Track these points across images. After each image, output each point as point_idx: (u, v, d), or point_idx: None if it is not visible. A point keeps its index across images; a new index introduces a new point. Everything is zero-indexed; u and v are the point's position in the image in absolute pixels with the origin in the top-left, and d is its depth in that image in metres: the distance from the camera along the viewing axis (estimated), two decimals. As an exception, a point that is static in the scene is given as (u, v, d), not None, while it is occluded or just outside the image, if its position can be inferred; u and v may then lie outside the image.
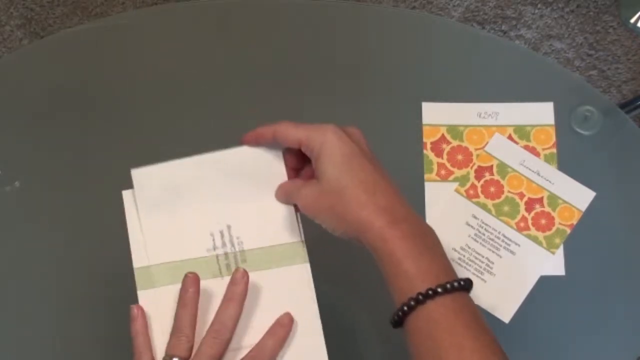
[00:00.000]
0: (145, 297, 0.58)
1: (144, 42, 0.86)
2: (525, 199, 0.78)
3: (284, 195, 0.59)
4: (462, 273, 0.76)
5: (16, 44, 1.53)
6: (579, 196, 0.78)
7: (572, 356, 0.75)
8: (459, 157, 0.80)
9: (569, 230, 0.77)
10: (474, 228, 0.77)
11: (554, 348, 0.75)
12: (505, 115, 0.81)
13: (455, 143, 0.80)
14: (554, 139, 0.80)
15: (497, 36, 1.47)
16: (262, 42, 0.85)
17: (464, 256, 0.76)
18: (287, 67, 0.84)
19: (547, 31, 1.52)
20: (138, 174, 0.59)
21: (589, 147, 0.80)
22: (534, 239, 0.77)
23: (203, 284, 0.57)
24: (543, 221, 0.77)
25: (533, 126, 0.80)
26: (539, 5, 1.54)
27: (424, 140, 0.80)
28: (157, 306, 0.58)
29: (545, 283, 0.75)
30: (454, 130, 0.80)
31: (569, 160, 0.79)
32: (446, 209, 0.78)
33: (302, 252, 0.59)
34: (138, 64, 0.85)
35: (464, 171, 0.79)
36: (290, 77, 0.84)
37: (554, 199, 0.78)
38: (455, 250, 0.77)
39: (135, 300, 0.58)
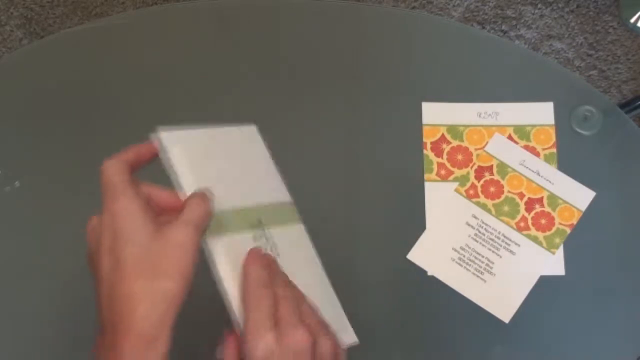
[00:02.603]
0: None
1: (144, 42, 0.86)
2: (525, 199, 0.78)
3: None
4: (462, 273, 0.76)
5: (16, 44, 1.53)
6: (579, 196, 0.78)
7: (572, 356, 0.75)
8: (459, 157, 0.80)
9: (569, 230, 0.77)
10: (474, 228, 0.77)
11: (554, 348, 0.75)
12: (505, 115, 0.81)
13: (455, 143, 0.80)
14: (554, 139, 0.80)
15: (497, 36, 1.47)
16: (262, 42, 0.85)
17: (464, 256, 0.76)
18: (287, 67, 0.84)
19: (547, 31, 1.52)
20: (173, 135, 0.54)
21: (589, 147, 0.80)
22: (534, 239, 0.77)
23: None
24: (543, 221, 0.77)
25: (533, 126, 0.80)
26: (539, 5, 1.54)
27: (424, 140, 0.80)
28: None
29: (545, 283, 0.75)
30: (454, 130, 0.80)
31: (569, 160, 0.79)
32: (446, 209, 0.78)
33: (295, 212, 0.57)
34: (138, 64, 0.85)
35: (464, 171, 0.79)
36: (290, 77, 0.84)
37: (554, 199, 0.78)
38: (455, 250, 0.77)
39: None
